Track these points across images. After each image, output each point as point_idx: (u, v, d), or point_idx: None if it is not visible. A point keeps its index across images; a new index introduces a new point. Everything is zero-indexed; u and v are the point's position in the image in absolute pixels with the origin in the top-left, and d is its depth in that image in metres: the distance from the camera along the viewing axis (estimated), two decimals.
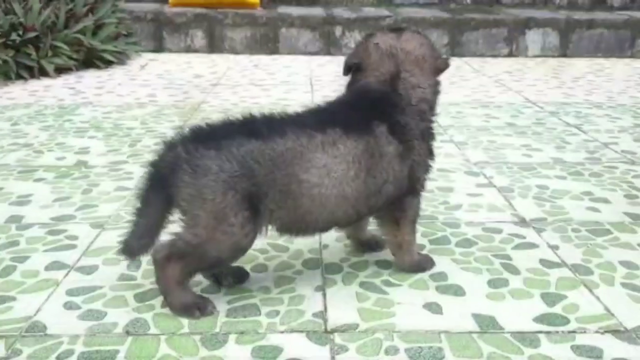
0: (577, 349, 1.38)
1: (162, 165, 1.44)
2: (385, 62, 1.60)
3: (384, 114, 1.56)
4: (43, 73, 4.27)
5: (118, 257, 1.70)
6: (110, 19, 4.80)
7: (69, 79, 4.31)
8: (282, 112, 1.56)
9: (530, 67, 5.06)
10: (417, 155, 1.60)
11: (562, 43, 5.61)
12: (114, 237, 1.90)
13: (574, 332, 1.45)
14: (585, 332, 1.45)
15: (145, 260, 1.74)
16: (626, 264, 1.78)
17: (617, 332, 1.45)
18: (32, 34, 4.18)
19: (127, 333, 1.43)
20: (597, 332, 1.45)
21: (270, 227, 1.52)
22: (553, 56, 5.59)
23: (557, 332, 1.45)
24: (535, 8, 6.12)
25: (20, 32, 4.16)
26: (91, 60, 4.61)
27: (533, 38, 5.58)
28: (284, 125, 1.48)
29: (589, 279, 1.69)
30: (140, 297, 1.58)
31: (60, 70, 4.38)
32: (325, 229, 1.61)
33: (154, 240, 1.50)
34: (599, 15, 5.78)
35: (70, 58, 4.39)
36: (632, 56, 5.64)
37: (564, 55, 5.60)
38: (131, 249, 1.50)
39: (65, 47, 4.34)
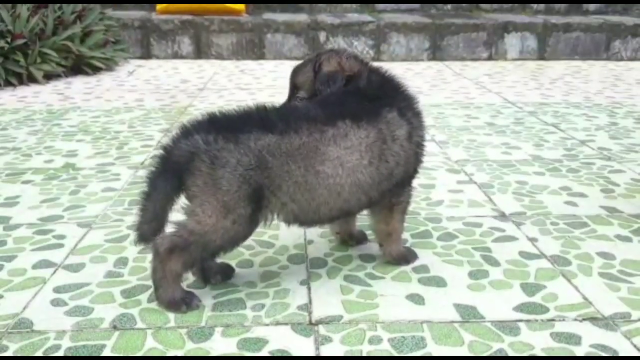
0: (556, 336, 1.42)
1: (177, 152, 1.44)
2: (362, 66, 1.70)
3: (393, 99, 1.63)
4: (32, 79, 4.28)
5: (104, 255, 1.72)
6: (98, 27, 4.81)
7: (58, 85, 4.32)
8: (292, 104, 1.59)
9: (509, 70, 5.14)
10: (418, 136, 1.67)
11: (540, 46, 5.70)
12: (100, 236, 1.93)
13: (552, 320, 1.49)
14: (564, 319, 1.49)
15: (132, 258, 1.78)
16: (603, 254, 1.83)
17: (595, 320, 1.49)
18: (20, 41, 4.19)
19: (114, 328, 1.44)
20: (575, 319, 1.49)
21: (276, 218, 1.53)
22: (531, 59, 5.68)
23: (536, 320, 1.48)
24: (514, 13, 6.22)
25: (9, 39, 4.17)
26: (79, 66, 4.63)
27: (512, 42, 5.67)
28: (298, 119, 1.50)
29: (567, 270, 1.74)
30: (127, 293, 1.60)
31: (49, 77, 4.40)
32: (337, 217, 1.64)
33: (163, 224, 1.50)
34: (575, 19, 5.90)
35: (59, 64, 4.41)
36: (607, 58, 5.76)
37: (542, 58, 5.70)
38: (144, 234, 1.50)
39: (53, 53, 4.35)
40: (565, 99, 4.06)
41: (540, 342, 1.40)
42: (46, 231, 1.96)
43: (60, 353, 1.35)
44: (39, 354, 1.34)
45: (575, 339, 1.41)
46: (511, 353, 1.36)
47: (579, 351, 1.37)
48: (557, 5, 6.29)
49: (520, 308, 1.54)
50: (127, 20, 5.41)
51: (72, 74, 4.59)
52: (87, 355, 1.35)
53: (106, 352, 1.35)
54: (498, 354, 1.36)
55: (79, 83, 4.40)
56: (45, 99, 3.87)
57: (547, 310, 1.53)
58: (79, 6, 4.77)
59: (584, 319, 1.49)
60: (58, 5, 4.63)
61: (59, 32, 4.47)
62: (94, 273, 1.70)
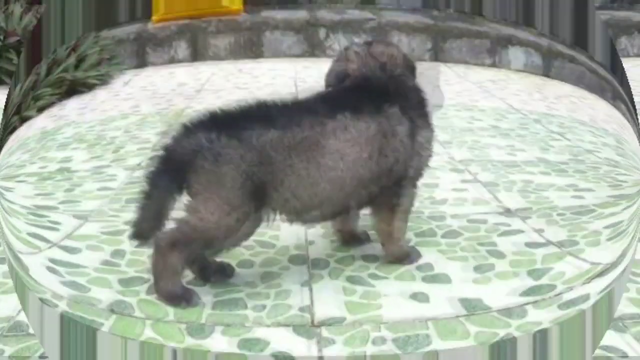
0: (564, 305, 1.41)
1: (179, 150, 1.44)
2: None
3: (395, 96, 1.62)
4: None
5: (101, 244, 1.66)
6: (92, 49, 4.71)
7: (52, 110, 4.21)
8: (293, 99, 1.58)
9: (513, 79, 5.09)
10: (421, 136, 1.66)
11: (545, 64, 5.58)
12: (97, 228, 1.90)
13: (560, 294, 1.47)
14: (572, 289, 1.48)
15: (130, 250, 1.74)
16: (612, 225, 1.82)
17: (603, 272, 1.49)
18: (13, 39, 4.13)
19: (112, 311, 1.43)
20: (583, 284, 1.49)
21: (278, 215, 1.53)
22: (536, 74, 5.58)
23: (544, 299, 1.47)
24: (518, 28, 6.11)
25: (2, 37, 4.12)
26: (74, 89, 4.52)
27: (516, 54, 5.57)
28: (299, 114, 1.50)
29: (575, 249, 1.72)
30: (125, 283, 1.57)
31: (42, 108, 4.27)
32: (338, 214, 1.63)
33: (163, 223, 1.48)
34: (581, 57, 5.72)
35: (53, 95, 4.29)
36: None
37: (547, 75, 5.58)
38: (141, 232, 1.48)
39: (48, 90, 4.24)
40: (571, 115, 4.00)
41: (548, 316, 1.38)
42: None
43: None
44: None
45: (583, 299, 1.40)
46: (518, 335, 1.34)
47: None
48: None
49: (527, 293, 1.52)
50: (123, 35, 5.32)
51: (66, 96, 4.48)
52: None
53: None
54: (505, 339, 1.34)
55: (73, 103, 4.31)
56: (38, 124, 3.78)
57: (554, 287, 1.51)
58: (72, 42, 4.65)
59: (590, 279, 1.49)
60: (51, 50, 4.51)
61: (53, 70, 4.37)
62: (90, 259, 1.67)
